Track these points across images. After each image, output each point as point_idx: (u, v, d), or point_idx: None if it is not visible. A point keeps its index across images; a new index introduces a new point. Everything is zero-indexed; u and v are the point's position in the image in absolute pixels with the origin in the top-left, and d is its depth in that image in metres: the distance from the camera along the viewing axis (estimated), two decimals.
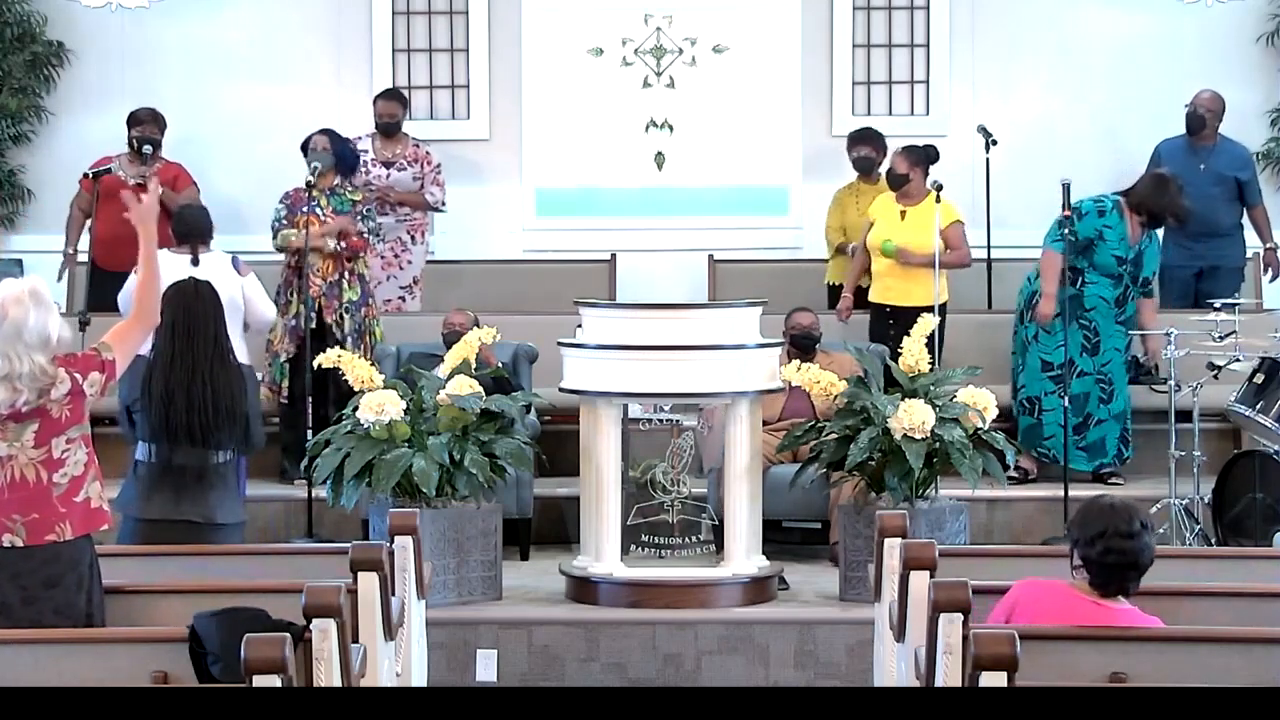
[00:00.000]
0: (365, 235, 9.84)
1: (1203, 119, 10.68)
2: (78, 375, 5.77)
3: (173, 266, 8.43)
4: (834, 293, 10.69)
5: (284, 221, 9.82)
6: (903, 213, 10.07)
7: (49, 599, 5.72)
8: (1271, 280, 10.95)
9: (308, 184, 9.65)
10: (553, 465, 8.99)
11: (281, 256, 9.88)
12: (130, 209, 6.11)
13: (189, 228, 9.17)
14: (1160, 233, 10.01)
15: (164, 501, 7.04)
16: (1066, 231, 9.36)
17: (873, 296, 10.20)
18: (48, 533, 5.74)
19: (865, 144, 10.87)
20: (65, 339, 5.82)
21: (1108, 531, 5.41)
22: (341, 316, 9.71)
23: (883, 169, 10.54)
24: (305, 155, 10.14)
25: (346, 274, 9.78)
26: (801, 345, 9.21)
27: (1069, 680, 5.16)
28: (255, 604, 5.48)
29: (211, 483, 7.07)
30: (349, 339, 9.60)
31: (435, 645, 7.56)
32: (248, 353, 8.79)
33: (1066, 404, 9.31)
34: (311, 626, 5.26)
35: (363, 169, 10.83)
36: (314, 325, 9.62)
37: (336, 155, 9.99)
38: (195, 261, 8.91)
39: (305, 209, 9.71)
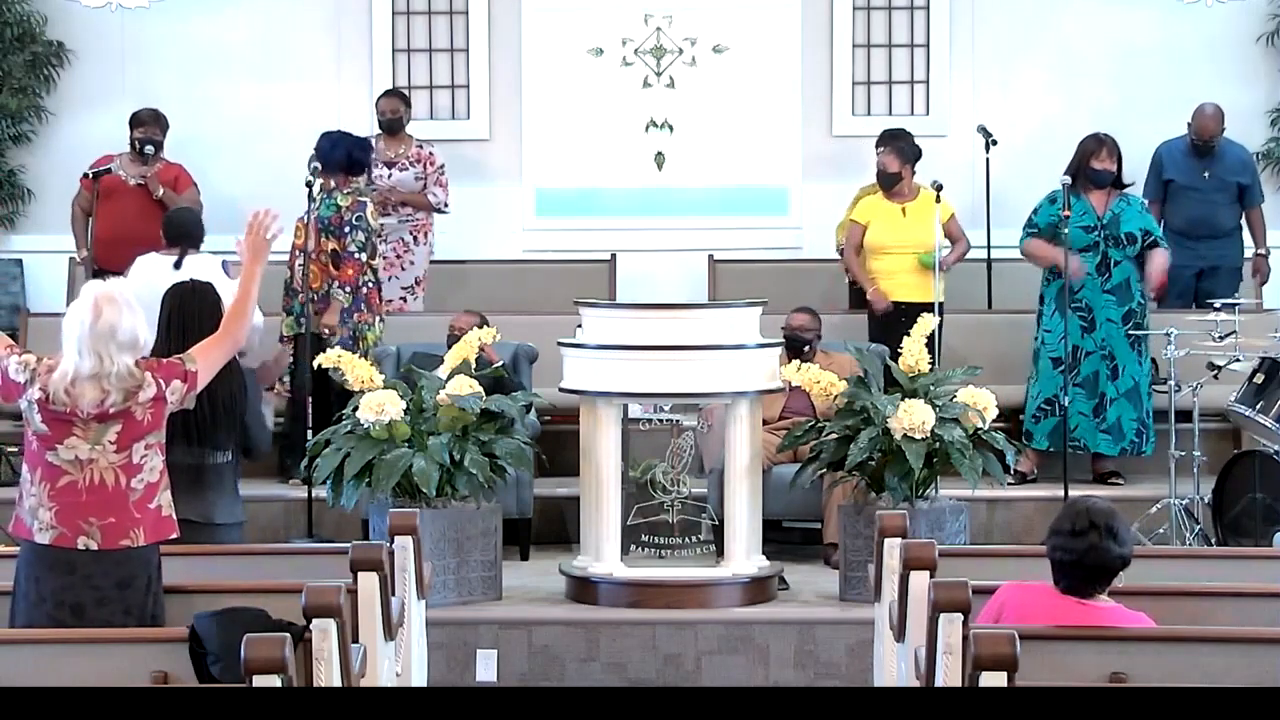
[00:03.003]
0: (356, 256, 9.65)
1: (1209, 143, 10.65)
2: (161, 381, 5.79)
3: (156, 268, 8.41)
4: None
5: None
6: (903, 210, 10.08)
7: (120, 600, 5.74)
8: (1262, 284, 10.94)
9: (307, 184, 9.61)
10: (553, 465, 8.99)
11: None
12: (244, 244, 6.20)
13: (180, 231, 9.12)
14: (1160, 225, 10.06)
15: None
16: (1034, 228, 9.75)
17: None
18: (122, 538, 5.75)
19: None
20: (149, 343, 5.87)
21: (1059, 530, 5.42)
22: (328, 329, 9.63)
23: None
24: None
25: (334, 283, 9.68)
26: (791, 345, 9.10)
27: (1069, 680, 5.16)
28: (255, 604, 5.48)
29: (209, 483, 7.07)
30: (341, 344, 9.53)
31: (435, 645, 7.56)
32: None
33: (1069, 396, 9.33)
34: (311, 626, 5.27)
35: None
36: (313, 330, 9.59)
37: (321, 155, 9.75)
38: (178, 265, 8.83)
39: (303, 215, 9.63)
